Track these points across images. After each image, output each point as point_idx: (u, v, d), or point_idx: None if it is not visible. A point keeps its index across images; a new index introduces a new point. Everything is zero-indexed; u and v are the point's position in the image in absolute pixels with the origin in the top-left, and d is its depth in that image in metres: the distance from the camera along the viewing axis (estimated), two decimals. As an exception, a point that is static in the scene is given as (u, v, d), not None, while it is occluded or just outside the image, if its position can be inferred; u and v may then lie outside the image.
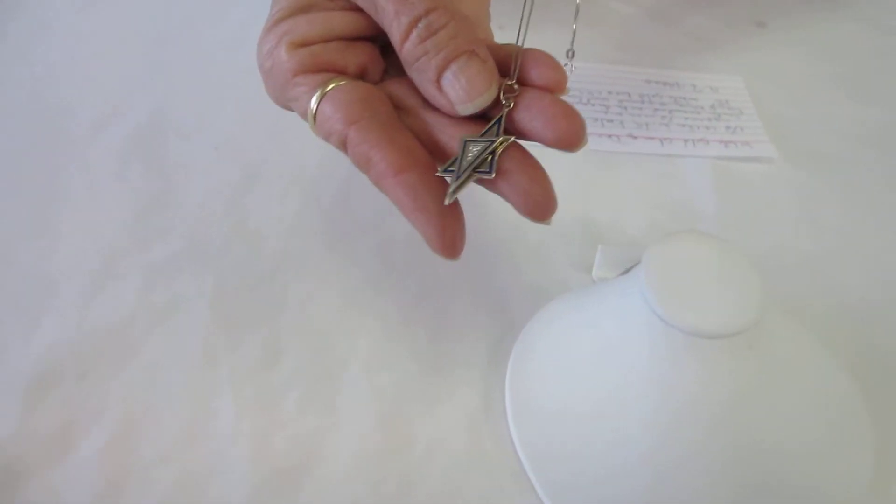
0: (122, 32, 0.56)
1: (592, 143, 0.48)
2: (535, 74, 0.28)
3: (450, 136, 0.28)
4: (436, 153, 0.29)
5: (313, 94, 0.29)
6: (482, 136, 0.27)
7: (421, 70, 0.28)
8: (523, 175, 0.27)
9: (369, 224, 0.43)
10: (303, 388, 0.36)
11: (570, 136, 0.27)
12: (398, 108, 0.30)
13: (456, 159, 0.27)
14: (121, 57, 0.54)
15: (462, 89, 0.27)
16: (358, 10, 0.30)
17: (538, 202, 0.26)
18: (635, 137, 0.49)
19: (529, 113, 0.27)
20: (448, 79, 0.27)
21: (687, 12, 0.60)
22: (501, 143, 0.27)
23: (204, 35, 0.55)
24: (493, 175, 0.26)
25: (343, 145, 0.28)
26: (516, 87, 0.28)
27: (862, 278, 0.41)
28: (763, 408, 0.32)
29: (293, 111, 0.31)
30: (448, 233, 0.26)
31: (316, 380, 0.36)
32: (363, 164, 0.28)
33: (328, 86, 0.29)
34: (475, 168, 0.26)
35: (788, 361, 0.33)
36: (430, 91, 0.28)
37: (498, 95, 0.28)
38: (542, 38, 0.30)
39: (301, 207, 0.43)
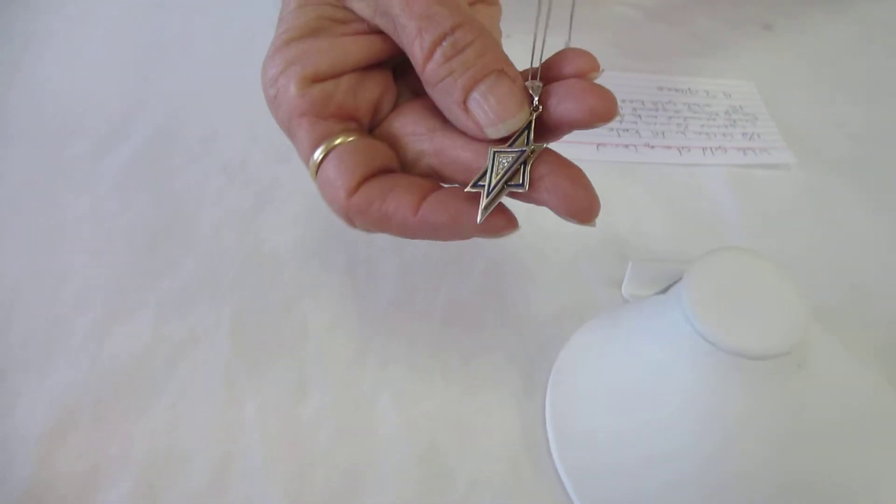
0: (118, 49, 0.54)
1: (609, 154, 0.48)
2: (566, 69, 0.27)
3: (474, 150, 0.27)
4: (457, 172, 0.27)
5: (318, 146, 0.27)
6: (511, 145, 0.26)
7: (446, 91, 0.26)
8: (562, 178, 0.25)
9: (388, 245, 0.41)
10: (333, 423, 0.34)
11: (602, 110, 0.25)
12: (414, 134, 0.28)
13: (485, 172, 0.25)
14: (118, 75, 0.52)
15: (491, 111, 0.25)
16: (372, 32, 0.28)
17: (582, 204, 0.25)
18: (652, 147, 0.48)
19: (557, 98, 0.26)
20: (476, 100, 0.25)
21: (692, 14, 0.59)
22: (533, 153, 0.25)
23: (204, 51, 0.53)
24: (527, 188, 0.25)
25: (346, 216, 0.27)
26: (540, 84, 0.27)
27: (890, 282, 0.41)
28: (815, 427, 0.31)
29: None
30: (499, 223, 0.26)
31: (346, 413, 0.34)
32: (381, 224, 0.26)
33: (336, 140, 0.27)
34: (507, 181, 0.25)
35: (837, 378, 0.33)
36: (455, 113, 0.26)
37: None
38: (551, 45, 0.28)
39: (317, 230, 0.42)
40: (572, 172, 0.25)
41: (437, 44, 0.25)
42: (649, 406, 0.32)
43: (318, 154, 0.27)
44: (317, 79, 0.27)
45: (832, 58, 0.56)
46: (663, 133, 0.49)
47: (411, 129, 0.28)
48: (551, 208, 0.25)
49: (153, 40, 0.54)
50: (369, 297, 0.39)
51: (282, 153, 0.45)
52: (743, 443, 0.30)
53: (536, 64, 0.27)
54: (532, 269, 0.41)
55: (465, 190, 0.25)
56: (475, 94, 0.25)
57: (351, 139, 0.27)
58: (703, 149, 0.48)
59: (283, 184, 0.44)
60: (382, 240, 0.41)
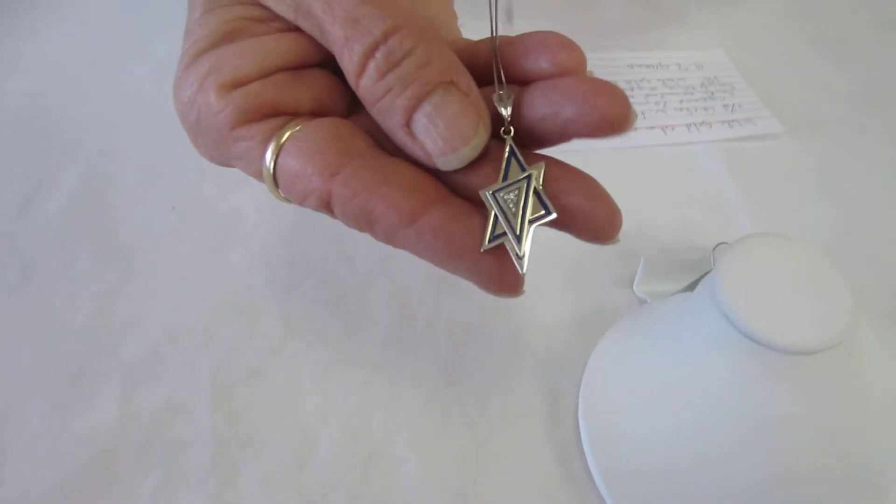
0: (31, 82, 0.48)
1: (590, 143, 0.44)
2: (543, 62, 0.22)
3: (457, 174, 0.22)
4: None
5: (266, 148, 0.22)
6: (505, 181, 0.21)
7: (385, 113, 0.21)
8: (576, 194, 0.21)
9: (376, 272, 0.37)
10: (346, 482, 0.30)
11: (617, 114, 0.21)
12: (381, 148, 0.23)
13: (495, 221, 0.21)
14: (36, 112, 0.45)
15: (440, 137, 0.21)
16: (300, 30, 0.23)
17: (604, 221, 0.21)
18: (635, 129, 0.45)
19: (549, 101, 0.21)
20: (421, 123, 0.21)
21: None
22: (537, 173, 0.21)
23: (129, 75, 0.48)
24: (556, 213, 0.21)
25: (326, 205, 0.21)
26: (510, 95, 0.22)
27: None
28: (870, 420, 0.29)
29: (238, 169, 0.24)
30: (507, 267, 0.21)
31: (359, 468, 0.30)
32: (363, 222, 0.21)
33: (284, 133, 0.22)
34: (530, 219, 0.21)
35: (884, 362, 0.31)
36: (400, 138, 0.21)
37: (496, 132, 0.22)
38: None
39: (292, 263, 0.37)
40: (586, 185, 0.21)
41: (368, 55, 0.20)
42: (693, 414, 0.29)
43: (269, 157, 0.22)
44: (238, 83, 0.22)
45: (799, 18, 0.54)
46: (643, 113, 0.47)
47: (378, 140, 0.23)
48: (570, 231, 0.22)
49: (68, 71, 0.48)
50: (364, 330, 0.35)
51: (238, 180, 0.40)
52: (797, 440, 0.28)
53: (497, 63, 0.23)
54: (534, 280, 0.37)
55: (483, 249, 0.21)
56: (419, 116, 0.21)
57: (301, 124, 0.22)
58: (687, 125, 0.46)
59: (245, 214, 0.39)
60: (369, 263, 0.37)
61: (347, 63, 0.21)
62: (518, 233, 0.21)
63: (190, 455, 0.30)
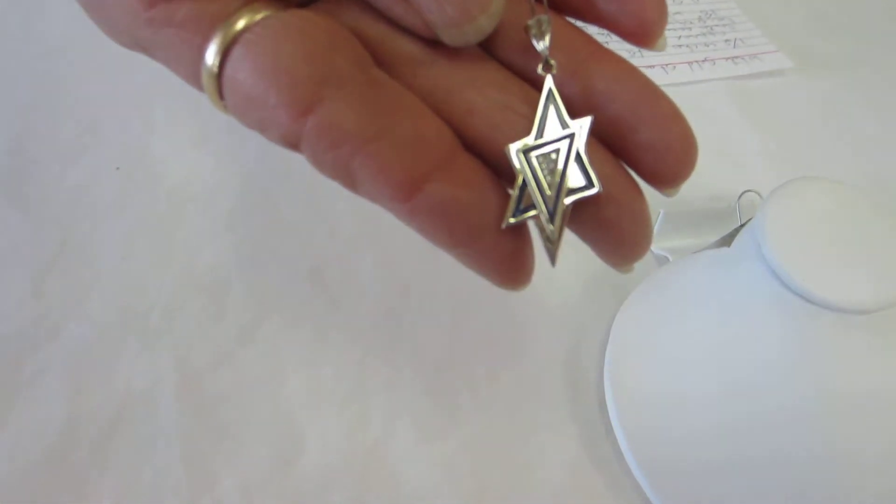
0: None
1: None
2: (613, 5, 0.16)
3: (466, 101, 0.16)
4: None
5: (207, 42, 0.15)
6: (540, 138, 0.16)
7: None
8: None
9: (360, 236, 0.32)
10: (342, 482, 0.26)
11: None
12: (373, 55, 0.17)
13: (522, 189, 0.16)
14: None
15: (449, 4, 0.15)
16: None
17: (636, 242, 0.17)
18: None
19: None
20: None
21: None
22: (583, 132, 0.16)
23: (56, 15, 0.41)
24: (600, 187, 0.16)
25: (291, 145, 0.16)
26: (549, 20, 0.17)
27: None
28: None
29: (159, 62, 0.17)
30: (523, 254, 0.17)
31: (357, 465, 0.26)
32: (341, 179, 0.16)
33: (236, 23, 0.15)
34: (569, 190, 0.16)
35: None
36: (387, 3, 0.16)
37: (526, 30, 0.17)
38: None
39: (261, 229, 0.32)
40: (633, 195, 0.17)
41: None
42: (740, 382, 0.26)
43: (211, 56, 0.15)
44: None
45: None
46: (640, 51, 0.42)
47: (376, 35, 0.17)
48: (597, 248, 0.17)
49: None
50: (351, 304, 0.30)
51: (194, 134, 0.34)
52: (864, 408, 0.25)
53: None
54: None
55: (505, 225, 0.16)
56: None
57: (263, 14, 0.16)
58: (689, 63, 0.42)
59: (204, 174, 0.34)
60: (351, 226, 0.32)
61: None
62: (553, 207, 0.16)
63: (155, 455, 0.26)
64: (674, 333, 0.28)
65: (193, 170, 0.34)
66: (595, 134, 0.16)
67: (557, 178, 0.16)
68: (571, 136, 0.16)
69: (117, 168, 0.33)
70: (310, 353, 0.29)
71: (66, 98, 0.36)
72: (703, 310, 0.27)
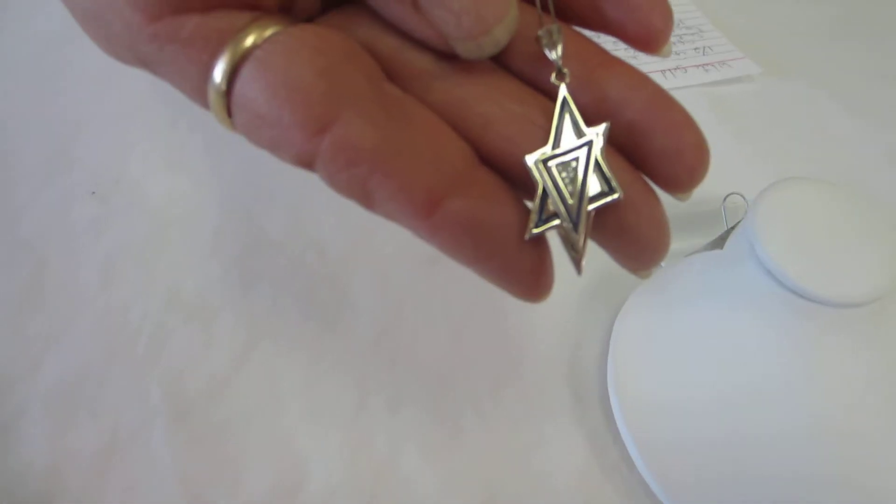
0: None
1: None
2: (621, 11, 0.17)
3: (482, 113, 0.16)
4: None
5: (215, 59, 0.15)
6: (557, 147, 0.16)
7: None
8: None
9: (350, 254, 0.31)
10: (351, 509, 0.25)
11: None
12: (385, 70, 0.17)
13: (543, 199, 0.16)
14: None
15: (463, 10, 0.15)
16: None
17: (655, 246, 0.17)
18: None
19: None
20: None
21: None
22: (600, 138, 0.16)
23: (25, 25, 0.39)
24: (621, 193, 0.16)
25: (306, 165, 0.15)
26: (559, 31, 0.17)
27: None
28: None
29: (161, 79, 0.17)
30: (545, 265, 0.16)
31: (365, 491, 0.25)
32: (358, 198, 0.15)
33: (246, 39, 0.15)
34: (590, 198, 0.16)
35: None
36: (399, 15, 0.16)
37: (537, 40, 0.16)
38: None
39: (248, 251, 0.31)
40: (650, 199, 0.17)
41: None
42: (741, 379, 0.26)
43: (219, 74, 0.15)
44: None
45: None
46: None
47: (388, 49, 0.17)
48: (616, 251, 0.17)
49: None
50: (346, 325, 0.29)
51: (171, 156, 0.33)
52: (862, 398, 0.25)
53: None
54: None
55: (528, 237, 0.16)
56: None
57: (273, 30, 0.15)
58: (662, 71, 0.42)
59: (185, 195, 0.32)
60: (341, 245, 0.31)
61: None
62: (576, 216, 0.16)
63: (151, 494, 0.24)
64: (673, 337, 0.28)
65: (173, 192, 0.32)
66: (610, 141, 0.16)
67: (578, 187, 0.16)
68: (589, 144, 0.16)
69: (93, 192, 0.32)
70: (307, 376, 0.28)
71: (36, 121, 0.35)
72: (700, 312, 0.27)
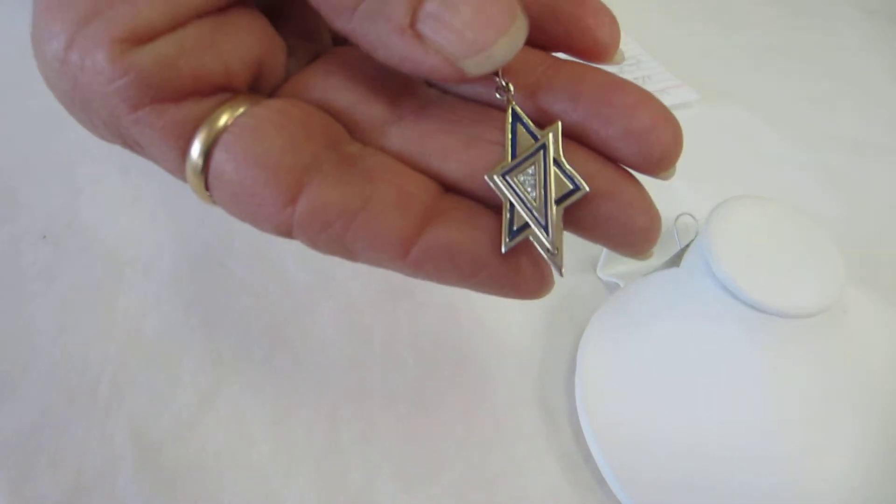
0: None
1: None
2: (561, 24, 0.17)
3: (439, 145, 0.17)
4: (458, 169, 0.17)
5: (191, 139, 0.16)
6: (515, 158, 0.17)
7: (374, 16, 0.15)
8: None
9: (314, 286, 0.31)
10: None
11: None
12: (351, 117, 0.18)
13: (511, 210, 0.16)
14: None
15: (467, 28, 0.15)
16: None
17: (642, 226, 0.17)
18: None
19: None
20: (434, 16, 0.15)
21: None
22: (553, 137, 0.17)
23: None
24: (587, 187, 0.16)
25: (285, 234, 0.16)
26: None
27: (834, 197, 0.40)
28: (874, 373, 0.28)
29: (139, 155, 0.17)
30: (533, 265, 0.17)
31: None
32: (340, 254, 0.16)
33: (219, 118, 0.16)
34: (556, 198, 0.16)
35: (869, 315, 0.30)
36: (399, 49, 0.15)
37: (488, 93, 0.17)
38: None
39: (210, 289, 0.31)
40: (624, 179, 0.17)
41: None
42: (703, 391, 0.27)
43: (196, 151, 0.16)
44: (138, 38, 0.15)
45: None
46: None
47: (345, 105, 0.18)
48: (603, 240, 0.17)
49: None
50: (314, 360, 0.29)
51: (125, 195, 0.33)
52: (815, 401, 0.27)
53: None
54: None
55: (505, 250, 0.16)
56: (431, 7, 0.15)
57: (244, 109, 0.16)
58: (606, 101, 0.44)
59: (141, 236, 0.32)
60: (305, 278, 0.31)
61: None
62: (544, 220, 0.16)
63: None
64: (637, 354, 0.29)
65: (128, 233, 0.32)
66: (573, 137, 0.17)
67: (542, 190, 0.16)
68: (543, 147, 0.17)
69: (44, 237, 0.31)
70: (276, 412, 0.27)
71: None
72: (661, 328, 0.28)
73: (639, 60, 0.48)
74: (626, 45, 0.49)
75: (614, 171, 0.17)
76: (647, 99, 0.16)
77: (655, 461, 0.27)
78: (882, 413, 0.28)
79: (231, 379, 0.28)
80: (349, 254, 0.16)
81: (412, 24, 0.15)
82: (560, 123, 0.17)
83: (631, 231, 0.17)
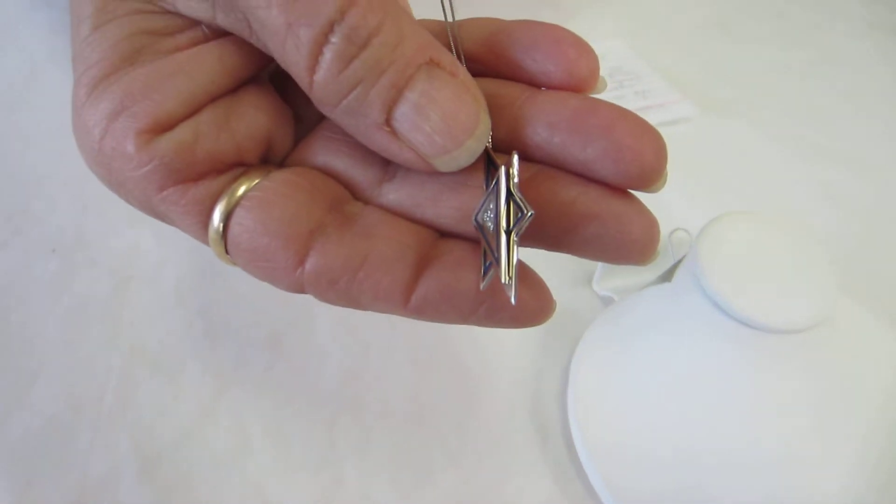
0: None
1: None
2: (550, 64, 0.18)
3: (430, 194, 0.18)
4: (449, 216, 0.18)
5: (212, 211, 0.18)
6: (489, 197, 0.17)
7: (354, 113, 0.17)
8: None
9: (313, 300, 0.32)
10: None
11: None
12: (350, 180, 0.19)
13: (488, 246, 0.17)
14: None
15: (436, 132, 0.16)
16: (219, 36, 0.18)
17: (637, 237, 0.17)
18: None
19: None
20: (407, 118, 0.16)
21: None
22: (507, 167, 0.17)
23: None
24: (531, 210, 0.16)
25: (298, 291, 0.18)
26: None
27: (833, 213, 0.40)
28: (865, 385, 0.29)
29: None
30: (525, 300, 0.17)
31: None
32: (352, 305, 0.18)
33: (237, 190, 0.18)
34: (509, 227, 0.16)
35: (860, 332, 0.31)
36: (377, 142, 0.17)
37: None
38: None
39: (212, 302, 0.32)
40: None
41: (322, 41, 0.16)
42: (694, 406, 0.28)
43: (217, 220, 0.18)
44: (160, 127, 0.17)
45: (685, 4, 0.56)
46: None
47: (344, 168, 0.19)
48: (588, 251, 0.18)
49: None
50: (312, 370, 0.30)
51: (130, 211, 0.33)
52: (805, 415, 0.27)
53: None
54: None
55: (483, 287, 0.17)
56: (404, 109, 0.16)
57: (258, 181, 0.18)
58: (606, 115, 0.45)
59: (146, 250, 0.33)
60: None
61: (294, 56, 0.16)
62: (497, 252, 0.16)
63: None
64: (629, 368, 0.29)
65: (133, 247, 0.33)
66: (556, 165, 0.17)
67: (500, 223, 0.16)
68: (497, 180, 0.17)
69: (53, 250, 0.32)
70: (275, 421, 0.28)
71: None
72: (653, 342, 0.29)
73: (639, 75, 0.48)
74: (628, 59, 0.50)
75: (598, 191, 0.17)
76: (622, 116, 0.17)
77: (647, 475, 0.27)
78: (873, 427, 0.28)
79: (231, 389, 0.29)
80: (358, 305, 0.17)
81: (388, 122, 0.16)
82: (515, 154, 0.17)
83: (626, 244, 0.17)
